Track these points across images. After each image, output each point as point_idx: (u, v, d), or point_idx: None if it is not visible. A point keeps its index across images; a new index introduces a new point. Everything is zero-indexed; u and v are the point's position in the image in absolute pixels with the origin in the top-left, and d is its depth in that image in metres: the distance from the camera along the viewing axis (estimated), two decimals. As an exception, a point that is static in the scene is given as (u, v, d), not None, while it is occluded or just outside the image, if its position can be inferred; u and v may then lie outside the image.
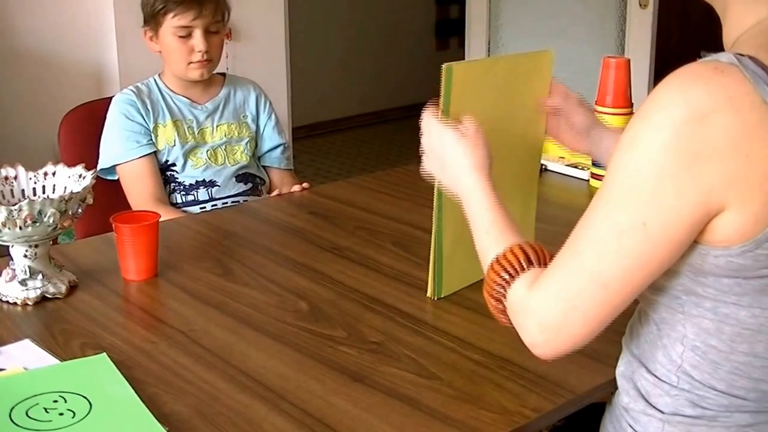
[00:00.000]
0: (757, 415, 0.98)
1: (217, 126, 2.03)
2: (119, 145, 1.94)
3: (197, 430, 0.99)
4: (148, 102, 1.98)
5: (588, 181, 1.96)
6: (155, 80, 2.03)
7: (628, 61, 1.90)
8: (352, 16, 5.87)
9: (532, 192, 1.50)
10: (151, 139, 1.96)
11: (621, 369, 1.07)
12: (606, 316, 0.93)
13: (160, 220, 1.45)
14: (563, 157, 2.07)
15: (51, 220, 1.28)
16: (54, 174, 1.41)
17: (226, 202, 1.99)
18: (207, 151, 2.00)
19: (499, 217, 1.08)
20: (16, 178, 1.40)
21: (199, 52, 1.93)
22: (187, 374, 1.11)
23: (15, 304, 1.31)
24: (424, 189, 1.90)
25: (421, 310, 1.31)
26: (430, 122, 1.22)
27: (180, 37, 1.93)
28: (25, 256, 1.32)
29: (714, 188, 0.85)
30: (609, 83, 1.87)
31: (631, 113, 1.90)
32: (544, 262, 1.01)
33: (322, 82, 5.70)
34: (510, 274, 1.01)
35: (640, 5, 3.77)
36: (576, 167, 2.01)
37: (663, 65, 3.94)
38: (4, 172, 1.40)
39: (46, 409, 1.00)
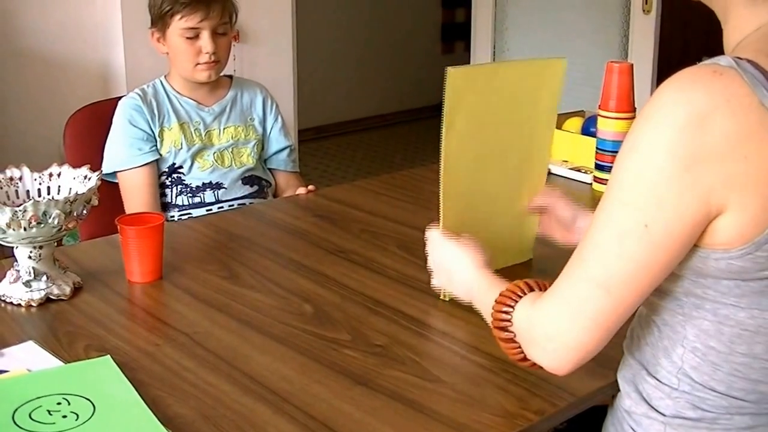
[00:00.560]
0: (757, 417, 0.99)
1: (224, 128, 2.02)
2: (122, 152, 1.94)
3: (200, 433, 0.99)
4: (154, 105, 1.97)
5: (591, 184, 1.95)
6: (161, 82, 2.03)
7: (631, 65, 1.89)
8: (358, 20, 5.87)
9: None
10: (155, 146, 1.95)
11: (622, 372, 1.08)
12: (612, 323, 0.93)
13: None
14: (566, 161, 2.06)
15: (56, 222, 1.28)
16: (59, 175, 1.41)
17: (232, 205, 1.99)
18: (214, 154, 2.00)
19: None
20: (21, 178, 1.40)
21: (207, 53, 1.92)
22: (191, 377, 1.11)
23: (19, 305, 1.31)
24: (428, 192, 1.91)
25: (425, 314, 1.30)
26: (433, 238, 1.30)
27: (187, 38, 1.92)
28: (30, 257, 1.32)
29: (714, 189, 0.85)
30: (612, 88, 1.87)
31: (634, 117, 1.89)
32: (543, 287, 1.02)
33: (328, 85, 5.70)
34: (513, 300, 1.03)
35: (643, 11, 3.77)
36: (579, 171, 2.00)
37: (665, 70, 3.92)
38: (9, 173, 1.39)
39: (49, 411, 0.99)
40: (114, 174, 1.96)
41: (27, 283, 1.31)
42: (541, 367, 1.01)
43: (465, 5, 5.27)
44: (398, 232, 1.66)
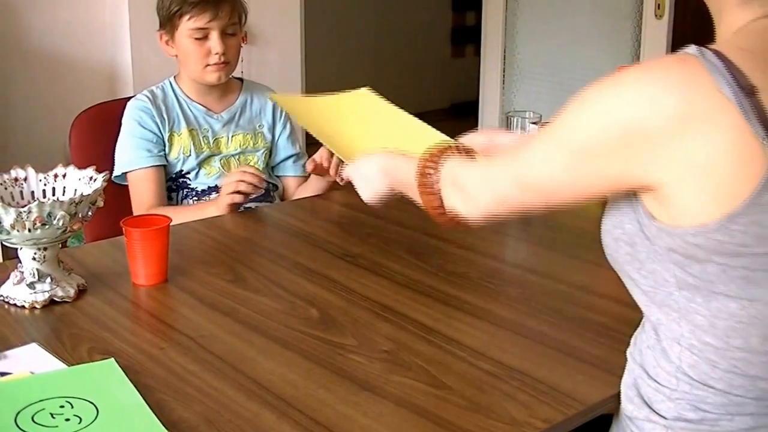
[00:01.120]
0: (759, 418, 0.99)
1: (232, 136, 2.02)
2: (130, 153, 1.94)
3: (204, 438, 0.99)
4: (163, 109, 1.97)
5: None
6: (171, 84, 2.02)
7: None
8: (367, 23, 5.88)
9: None
10: (163, 150, 1.95)
11: (625, 378, 1.09)
12: (523, 210, 1.08)
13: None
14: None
15: (60, 223, 1.28)
16: (64, 176, 1.41)
17: (239, 208, 1.99)
18: (221, 160, 2.00)
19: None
20: (26, 179, 1.40)
21: (216, 54, 1.92)
22: (195, 381, 1.11)
23: (23, 307, 1.31)
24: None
25: (432, 319, 1.30)
26: (348, 170, 1.43)
27: (196, 39, 1.91)
28: (34, 258, 1.32)
29: (652, 163, 0.91)
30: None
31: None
32: (466, 152, 1.19)
33: (337, 87, 5.69)
34: (443, 155, 1.17)
35: (656, 15, 3.76)
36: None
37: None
38: (14, 174, 1.40)
39: (52, 415, 1.00)
40: (124, 176, 1.96)
41: (31, 285, 1.32)
42: (453, 222, 1.15)
43: (475, 9, 5.27)
44: (406, 236, 1.66)
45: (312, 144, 1.96)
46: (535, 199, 1.04)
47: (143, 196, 1.93)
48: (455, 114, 6.24)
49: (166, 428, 0.98)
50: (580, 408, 1.07)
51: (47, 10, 3.25)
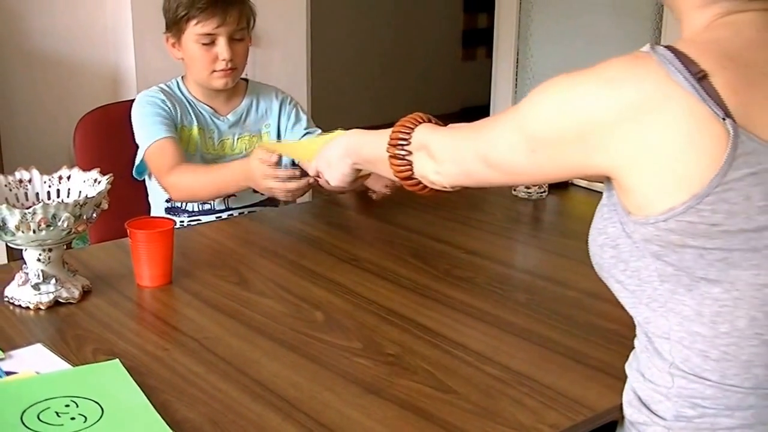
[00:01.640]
0: (760, 413, 1.01)
1: (238, 138, 2.04)
2: (147, 130, 1.92)
3: (209, 438, 1.02)
4: (175, 103, 1.98)
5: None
6: (178, 84, 2.04)
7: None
8: (376, 25, 5.88)
9: None
10: (178, 133, 1.95)
11: (625, 386, 1.12)
12: (487, 183, 1.16)
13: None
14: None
15: (65, 225, 1.31)
16: (69, 178, 1.44)
17: (242, 212, 2.01)
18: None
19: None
20: (30, 181, 1.43)
21: (223, 60, 1.92)
22: (200, 382, 1.14)
23: (27, 308, 1.34)
24: (445, 201, 1.93)
25: (439, 323, 1.33)
26: (316, 159, 1.57)
27: (203, 44, 1.92)
28: (39, 260, 1.35)
29: (610, 148, 0.96)
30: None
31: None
32: (437, 123, 1.26)
33: (344, 90, 5.72)
34: (415, 123, 1.24)
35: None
36: (602, 182, 2.02)
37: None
38: (18, 175, 1.43)
39: (57, 413, 1.03)
40: (143, 164, 1.96)
41: (36, 286, 1.35)
42: (423, 188, 1.24)
43: (488, 10, 5.28)
44: (413, 240, 1.69)
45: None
46: (500, 176, 1.12)
47: (166, 161, 1.88)
48: (466, 118, 6.23)
49: (170, 428, 1.01)
50: (588, 414, 1.09)
51: (50, 14, 3.29)
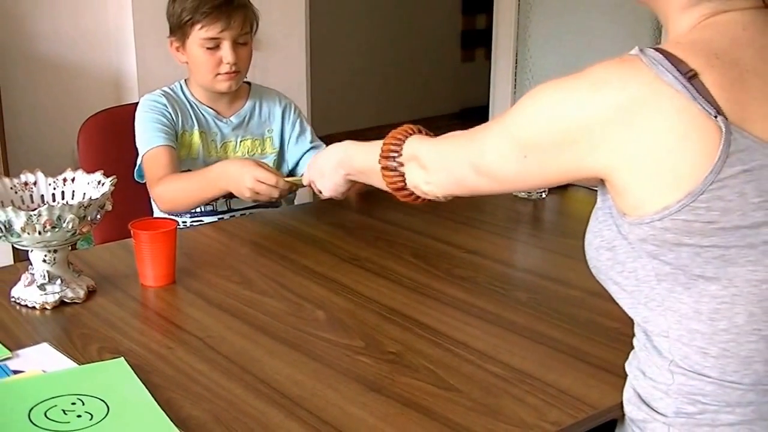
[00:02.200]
0: (760, 408, 1.02)
1: (240, 141, 2.04)
2: (146, 136, 1.94)
3: (213, 435, 1.02)
4: (177, 108, 1.99)
5: (613, 195, 1.97)
6: (182, 87, 2.04)
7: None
8: (375, 27, 5.88)
9: None
10: (177, 140, 1.96)
11: (625, 384, 1.12)
12: (477, 192, 1.17)
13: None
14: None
15: (70, 226, 1.32)
16: (73, 180, 1.45)
17: (244, 213, 2.01)
18: None
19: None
20: (35, 183, 1.44)
21: (227, 63, 1.93)
22: (203, 380, 1.15)
23: (34, 308, 1.35)
24: (445, 203, 1.93)
25: (440, 322, 1.33)
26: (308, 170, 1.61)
27: (207, 48, 1.92)
28: (44, 260, 1.36)
29: (601, 149, 0.96)
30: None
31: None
32: (427, 134, 1.28)
33: (345, 92, 5.72)
34: (406, 134, 1.26)
35: (662, 21, 3.76)
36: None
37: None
38: (23, 178, 1.43)
39: (64, 411, 1.04)
40: (143, 175, 1.96)
41: (42, 287, 1.36)
42: (416, 199, 1.28)
43: (486, 11, 5.27)
44: (413, 240, 1.69)
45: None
46: (491, 184, 1.12)
47: (157, 171, 1.90)
48: (465, 119, 6.25)
49: (175, 425, 1.02)
50: (590, 412, 1.09)
51: (53, 19, 3.30)
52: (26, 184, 1.43)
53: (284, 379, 1.15)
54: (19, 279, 1.39)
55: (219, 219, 1.98)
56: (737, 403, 1.02)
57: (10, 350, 1.20)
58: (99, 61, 3.43)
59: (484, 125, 1.12)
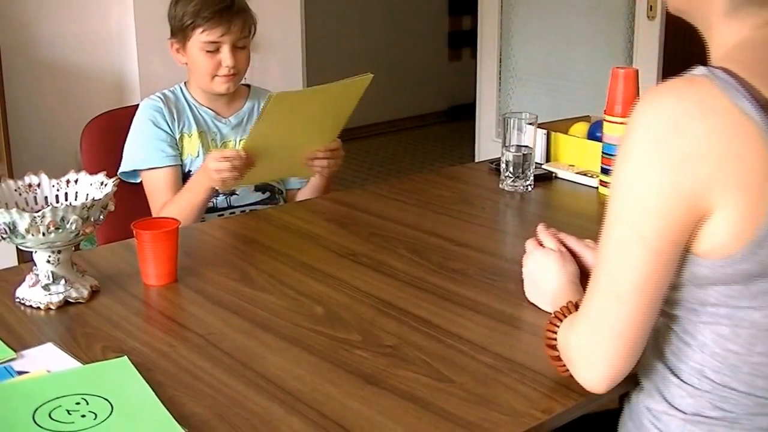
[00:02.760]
0: None
1: (240, 140, 2.02)
2: (144, 151, 1.94)
3: (216, 431, 0.99)
4: (174, 111, 1.97)
5: (597, 188, 1.95)
6: (181, 88, 2.03)
7: (636, 71, 1.89)
8: (367, 29, 5.88)
9: None
10: (177, 150, 1.95)
11: (645, 370, 1.07)
12: (632, 333, 0.96)
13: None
14: (573, 165, 2.06)
15: (73, 227, 1.29)
16: (76, 181, 1.42)
17: (244, 210, 2.00)
18: None
19: None
20: (39, 185, 1.41)
21: (227, 66, 1.92)
22: (205, 377, 1.12)
23: (38, 308, 1.32)
24: (437, 196, 1.92)
25: (434, 315, 1.31)
26: (530, 249, 1.35)
27: (207, 51, 1.91)
28: (48, 261, 1.33)
29: (697, 190, 0.88)
30: (618, 93, 1.87)
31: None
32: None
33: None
34: (559, 320, 1.09)
35: (648, 17, 3.77)
36: (585, 175, 2.01)
37: (670, 75, 3.91)
38: (27, 180, 1.41)
39: (68, 411, 1.01)
40: (134, 173, 1.95)
41: (46, 287, 1.33)
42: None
43: (471, 13, 5.27)
44: (407, 235, 1.67)
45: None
46: (638, 301, 0.94)
47: (161, 196, 1.92)
48: (454, 116, 6.24)
49: (178, 423, 0.99)
50: (579, 399, 1.07)
51: (57, 23, 3.27)
52: (30, 185, 1.41)
53: (284, 374, 1.13)
54: (24, 280, 1.36)
55: (220, 216, 1.96)
56: (759, 413, 0.98)
57: (15, 351, 1.17)
58: (101, 64, 3.40)
59: (596, 259, 0.99)
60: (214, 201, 1.98)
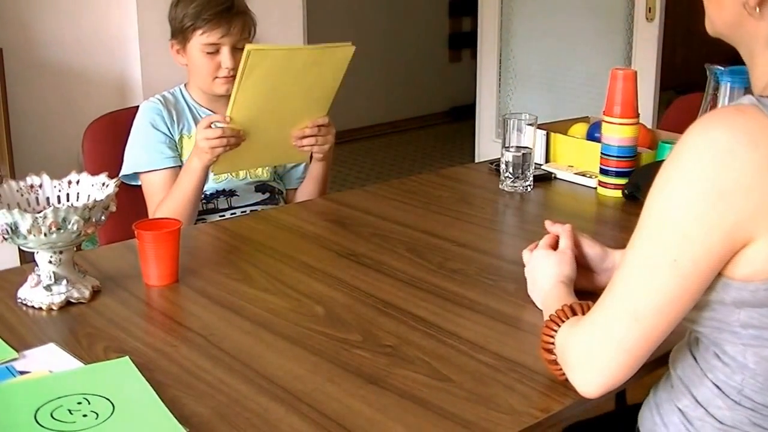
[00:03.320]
0: None
1: None
2: (143, 154, 1.94)
3: (217, 431, 0.99)
4: (174, 112, 1.98)
5: (596, 188, 1.95)
6: (181, 90, 2.03)
7: (635, 72, 1.89)
8: (368, 31, 5.87)
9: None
10: (177, 151, 1.96)
11: (684, 371, 1.06)
12: (641, 351, 0.95)
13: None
14: (572, 166, 2.06)
15: (75, 227, 1.29)
16: (78, 182, 1.42)
17: (245, 211, 2.00)
18: None
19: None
20: (41, 186, 1.41)
21: (226, 68, 1.92)
22: (207, 377, 1.12)
23: (40, 308, 1.32)
24: (436, 197, 1.92)
25: (433, 314, 1.31)
26: (539, 246, 1.35)
27: (207, 53, 1.91)
28: (50, 262, 1.33)
29: (740, 222, 0.87)
30: (617, 94, 1.87)
31: (637, 123, 1.90)
32: (587, 308, 1.06)
33: (339, 93, 5.69)
34: (557, 324, 1.07)
35: (647, 18, 3.77)
36: (584, 175, 2.01)
37: (668, 76, 3.93)
38: (29, 181, 1.40)
39: (70, 411, 1.00)
40: (134, 176, 1.96)
41: (48, 287, 1.33)
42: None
43: (471, 14, 5.27)
44: (407, 235, 1.67)
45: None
46: (655, 322, 0.94)
47: (159, 196, 1.92)
48: (455, 117, 6.24)
49: (179, 422, 0.99)
50: (577, 398, 1.07)
51: (59, 25, 3.27)
52: (32, 186, 1.41)
53: (285, 374, 1.12)
54: (26, 280, 1.35)
55: (221, 216, 1.96)
56: None
57: (17, 351, 1.17)
58: (103, 65, 3.40)
59: (617, 274, 0.97)
60: (215, 202, 1.98)
